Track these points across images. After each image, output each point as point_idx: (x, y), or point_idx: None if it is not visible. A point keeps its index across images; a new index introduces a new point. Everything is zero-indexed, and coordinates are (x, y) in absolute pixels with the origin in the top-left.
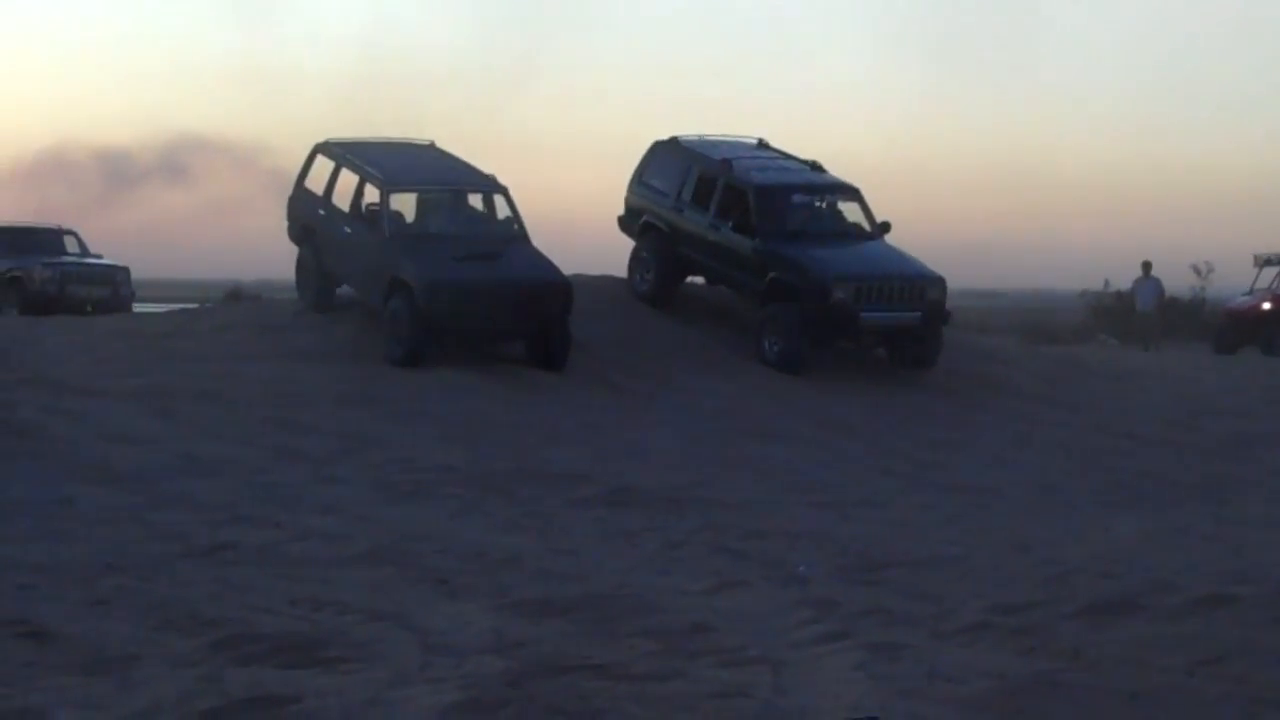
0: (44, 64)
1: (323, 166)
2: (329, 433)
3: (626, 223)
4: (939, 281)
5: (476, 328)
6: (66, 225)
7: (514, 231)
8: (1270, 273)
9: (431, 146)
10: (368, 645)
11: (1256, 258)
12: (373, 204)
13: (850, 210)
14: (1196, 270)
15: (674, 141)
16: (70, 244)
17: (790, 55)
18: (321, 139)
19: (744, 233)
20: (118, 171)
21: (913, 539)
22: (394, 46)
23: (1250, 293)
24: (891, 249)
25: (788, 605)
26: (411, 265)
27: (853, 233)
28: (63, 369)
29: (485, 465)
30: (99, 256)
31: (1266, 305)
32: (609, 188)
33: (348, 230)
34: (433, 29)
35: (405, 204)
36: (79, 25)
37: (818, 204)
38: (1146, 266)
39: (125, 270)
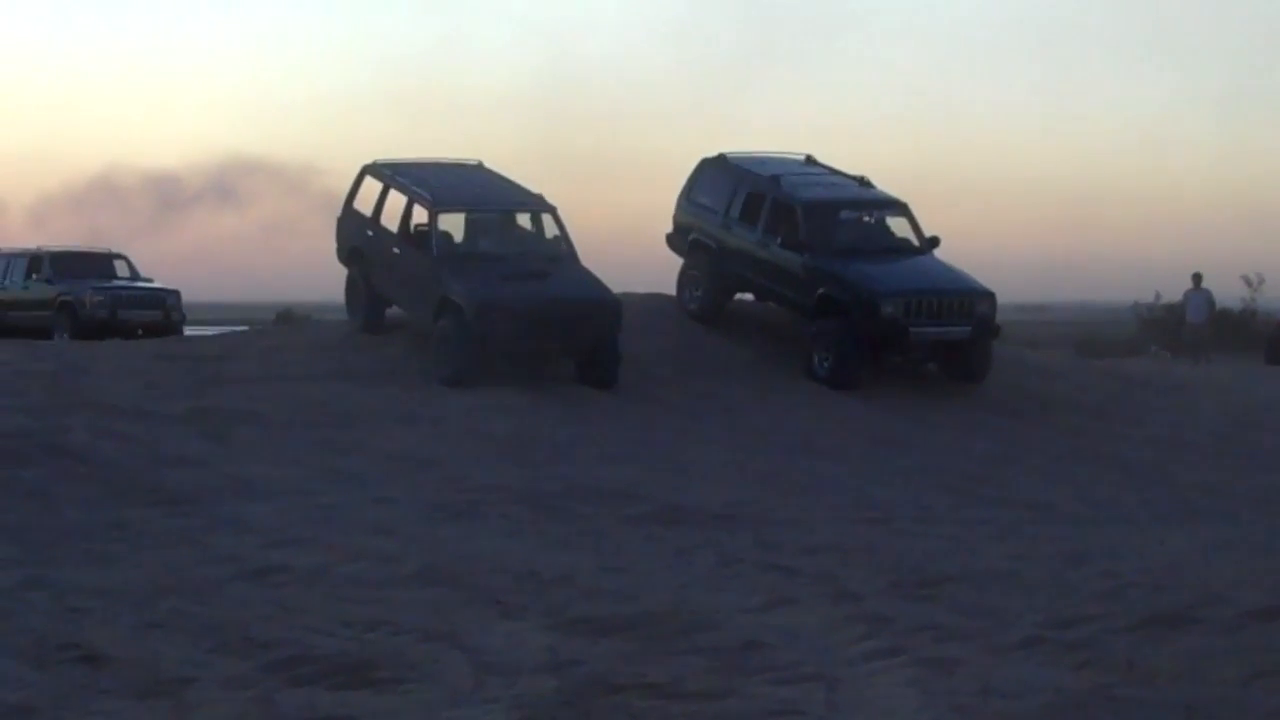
0: (94, 89)
1: (371, 188)
2: (380, 453)
3: (675, 240)
4: (988, 296)
5: (526, 347)
6: (117, 249)
7: (562, 250)
8: None
9: (480, 166)
10: (421, 666)
11: None
12: (421, 224)
13: (899, 225)
14: (1247, 281)
15: (722, 159)
16: (121, 268)
17: (836, 70)
18: (369, 160)
19: (792, 249)
20: (167, 195)
21: (966, 554)
22: (442, 67)
23: None
24: (940, 264)
25: (841, 622)
26: (460, 285)
27: (901, 248)
28: (114, 392)
29: (537, 484)
30: (149, 280)
31: None
32: (658, 206)
33: (396, 251)
34: (484, 49)
35: (454, 224)
36: (128, 51)
37: (866, 219)
38: (1197, 278)
39: (176, 294)
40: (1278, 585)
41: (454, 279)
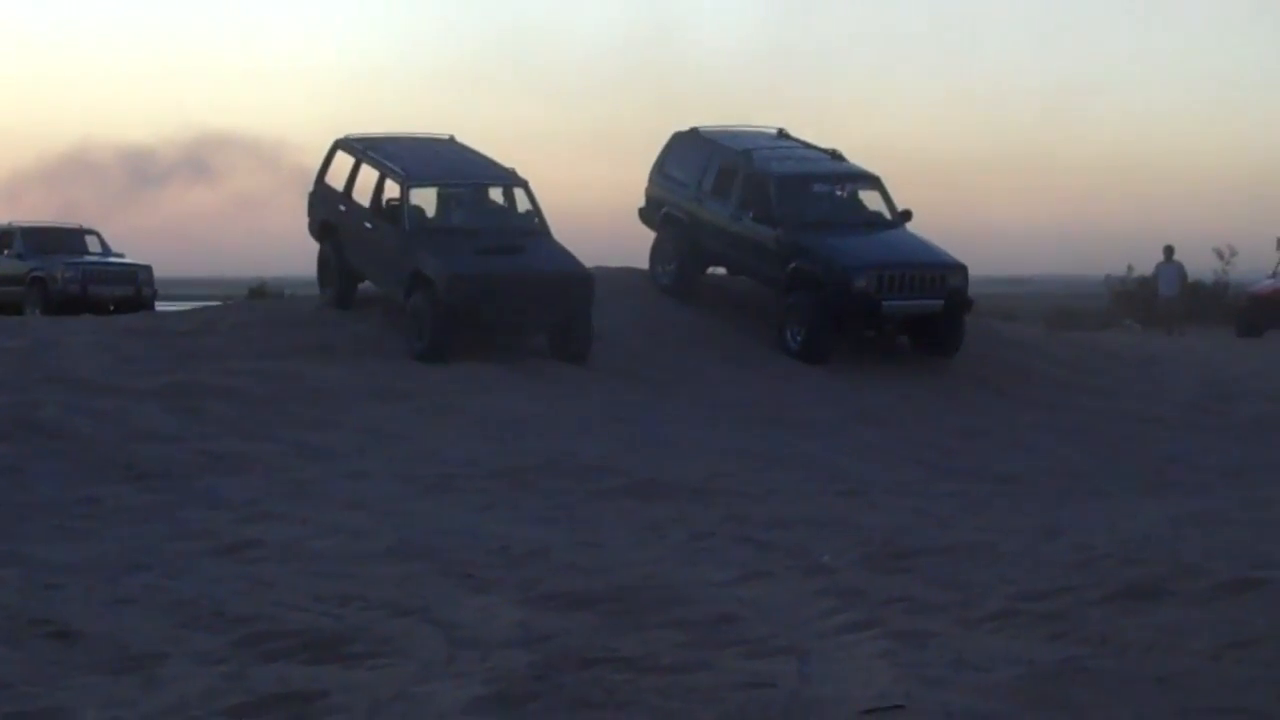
0: (67, 64)
1: (343, 162)
2: (353, 428)
3: (647, 214)
4: (960, 269)
5: (499, 320)
6: (89, 225)
7: (535, 225)
8: None
9: (451, 141)
10: (394, 640)
11: (1279, 241)
12: (393, 199)
13: (871, 199)
14: (1219, 254)
15: (694, 132)
16: (92, 243)
17: (807, 46)
18: (342, 134)
19: (765, 223)
20: (140, 170)
21: (938, 527)
22: (410, 43)
23: (1273, 275)
24: (913, 237)
25: (813, 594)
26: (433, 259)
27: (874, 221)
28: (86, 368)
29: (509, 459)
30: (121, 255)
31: None
32: (629, 180)
33: (368, 226)
34: (449, 26)
35: (426, 199)
36: (101, 25)
37: (838, 193)
38: (1169, 251)
39: (147, 269)
40: (1249, 557)
41: (426, 253)
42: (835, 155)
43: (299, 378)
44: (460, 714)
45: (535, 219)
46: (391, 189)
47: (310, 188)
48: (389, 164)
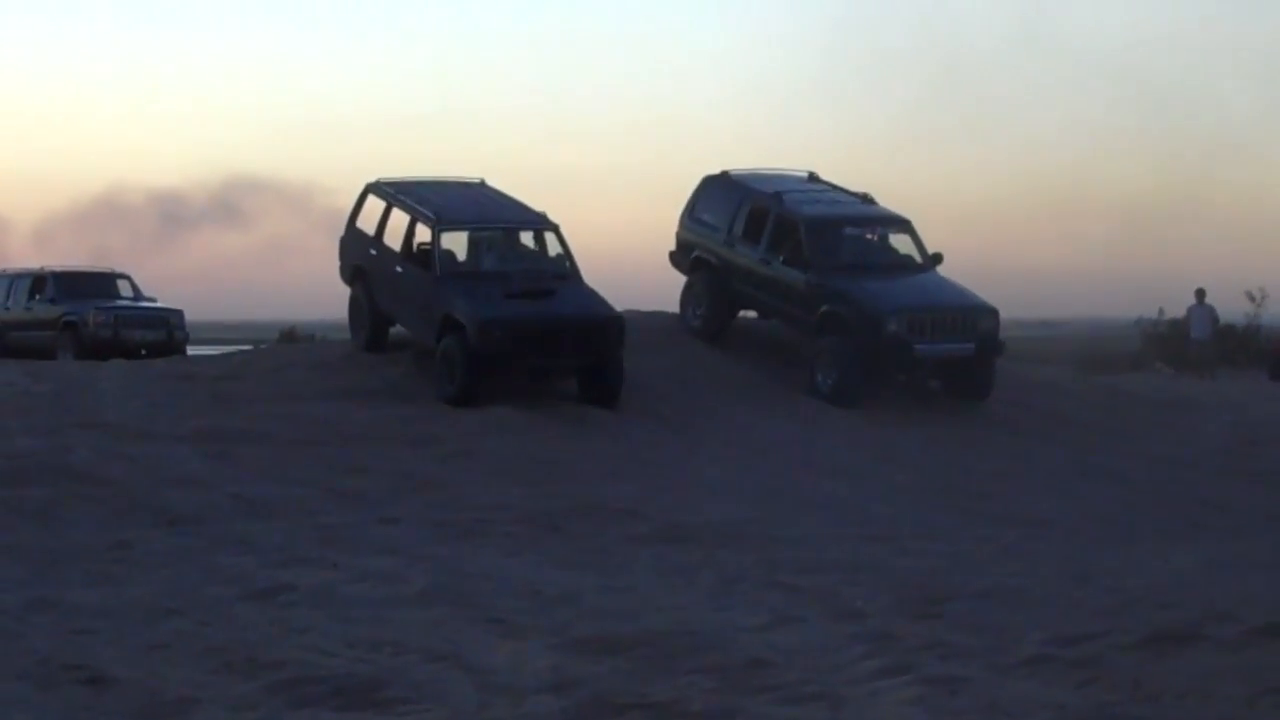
0: (99, 108)
1: (374, 206)
2: (384, 473)
3: (678, 258)
4: (992, 312)
5: (529, 365)
6: (120, 269)
7: (565, 268)
8: None
9: (482, 185)
10: (425, 686)
11: None
12: (424, 243)
13: (902, 242)
14: (1251, 297)
15: (725, 175)
16: (124, 288)
17: (837, 88)
18: (373, 178)
19: (796, 266)
20: (171, 213)
21: (970, 571)
22: (443, 88)
23: None
24: (944, 280)
25: (845, 640)
26: (464, 303)
27: (905, 265)
28: (118, 413)
29: (540, 503)
30: (153, 300)
31: None
32: (661, 223)
33: (399, 270)
34: (484, 69)
35: (456, 243)
36: (132, 69)
37: (869, 236)
38: (1200, 294)
39: (179, 313)
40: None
41: (457, 297)
42: (866, 199)
43: (329, 422)
44: None
45: (566, 263)
46: (422, 233)
47: (341, 232)
48: (420, 208)
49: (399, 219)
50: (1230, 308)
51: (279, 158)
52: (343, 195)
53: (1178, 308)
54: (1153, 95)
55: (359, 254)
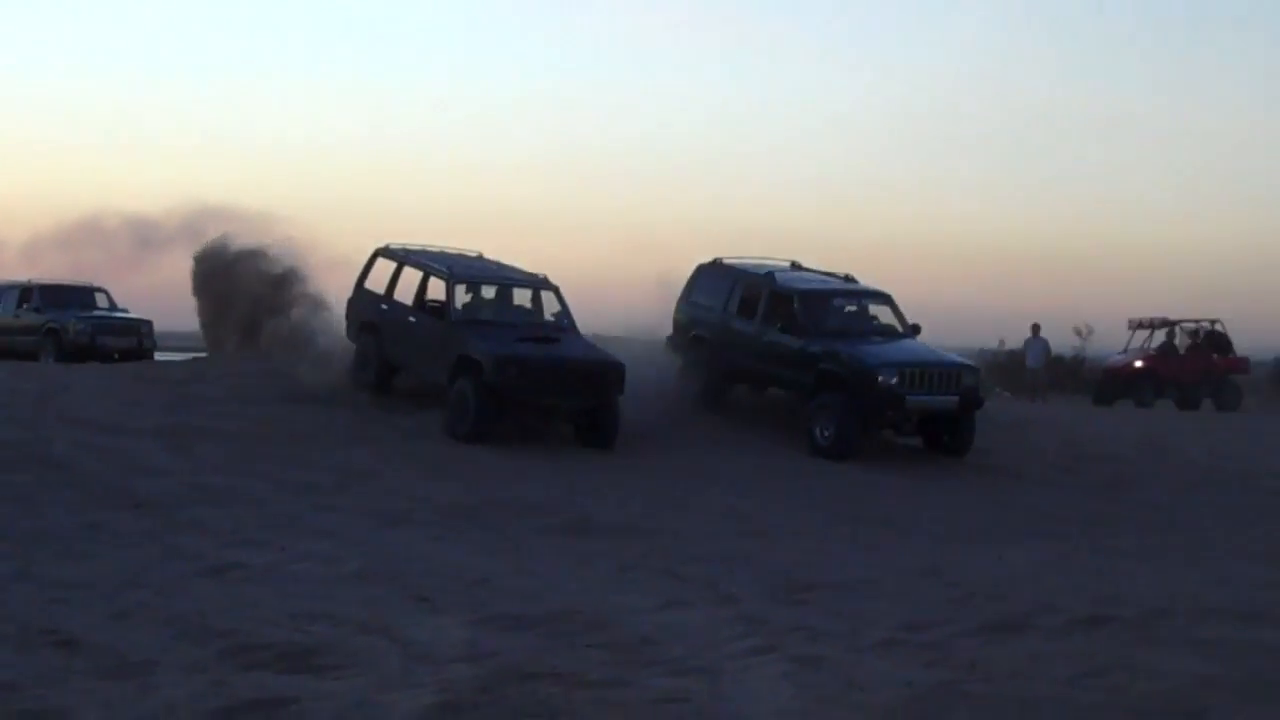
0: (86, 142)
1: (384, 267)
2: (326, 467)
3: (675, 340)
4: (974, 370)
5: (539, 402)
6: (97, 283)
7: (565, 323)
8: (1142, 335)
9: (480, 256)
10: (357, 654)
11: (1130, 321)
12: (436, 297)
13: (883, 313)
14: (1078, 332)
15: (717, 262)
16: (101, 300)
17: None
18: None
19: (790, 333)
20: (145, 237)
21: (833, 565)
22: (397, 123)
23: (1124, 352)
24: (924, 345)
25: (723, 622)
26: (480, 344)
27: (888, 331)
28: (93, 410)
29: (464, 497)
30: (125, 311)
31: (1139, 363)
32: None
33: (412, 320)
34: (443, 120)
35: (466, 297)
36: (117, 110)
37: (854, 308)
38: (1035, 328)
39: (149, 323)
40: (1100, 596)
41: (472, 339)
42: (849, 279)
43: (279, 422)
44: None
45: (565, 319)
46: (436, 286)
47: (349, 294)
48: (433, 264)
49: (411, 276)
50: (1061, 341)
51: (239, 190)
52: (292, 223)
53: (1016, 340)
54: (996, 149)
55: (368, 311)
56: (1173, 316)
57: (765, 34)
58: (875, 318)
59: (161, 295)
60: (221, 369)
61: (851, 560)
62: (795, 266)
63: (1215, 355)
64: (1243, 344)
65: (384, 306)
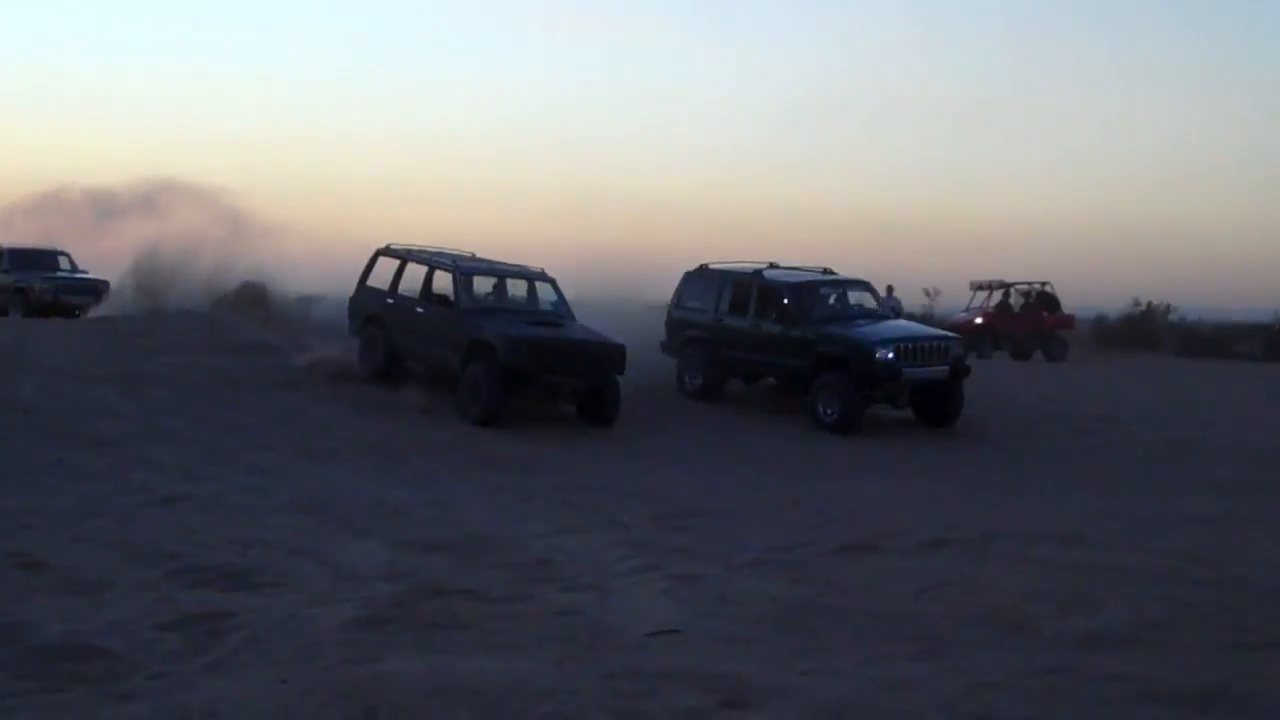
0: (53, 120)
1: (386, 265)
2: (261, 411)
3: (669, 344)
4: (959, 340)
5: (549, 380)
6: (61, 247)
7: (564, 311)
8: (982, 295)
9: (473, 256)
10: (289, 574)
11: (972, 283)
12: (443, 288)
13: (864, 300)
14: (927, 292)
15: (704, 267)
16: (64, 262)
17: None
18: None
19: (783, 323)
20: (105, 207)
21: (710, 495)
22: (351, 104)
23: (967, 310)
24: (907, 322)
25: (612, 545)
26: (491, 327)
27: (872, 314)
28: (56, 360)
29: (385, 437)
30: (86, 272)
31: (979, 320)
32: None
33: (420, 310)
34: (401, 90)
35: (472, 288)
36: (84, 91)
37: (839, 296)
38: (890, 289)
39: (106, 283)
40: (943, 523)
41: (484, 323)
42: (827, 271)
43: (220, 371)
44: (339, 631)
45: (563, 307)
46: (442, 278)
47: (353, 293)
48: (438, 259)
49: (415, 271)
50: (912, 300)
51: (193, 166)
52: (241, 196)
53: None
54: (860, 131)
55: (373, 306)
56: (1009, 279)
57: (651, 24)
58: (859, 304)
59: (118, 259)
60: (169, 325)
61: (726, 491)
62: (772, 266)
63: (1045, 313)
64: (1069, 303)
65: (390, 300)
